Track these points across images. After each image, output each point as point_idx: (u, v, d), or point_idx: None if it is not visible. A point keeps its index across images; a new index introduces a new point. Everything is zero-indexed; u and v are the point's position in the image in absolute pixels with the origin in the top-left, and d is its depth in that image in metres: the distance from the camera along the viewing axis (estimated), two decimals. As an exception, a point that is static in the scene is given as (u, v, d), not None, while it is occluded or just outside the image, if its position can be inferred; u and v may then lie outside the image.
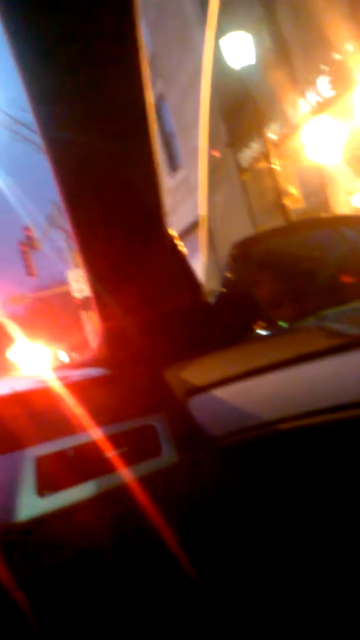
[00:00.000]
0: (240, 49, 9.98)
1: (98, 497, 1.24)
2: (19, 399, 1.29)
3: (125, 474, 1.28)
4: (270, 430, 1.29)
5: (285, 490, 1.36)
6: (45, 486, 1.19)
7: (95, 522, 1.24)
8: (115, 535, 1.26)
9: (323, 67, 9.54)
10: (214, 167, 13.53)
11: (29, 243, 19.59)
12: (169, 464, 1.36)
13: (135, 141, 1.23)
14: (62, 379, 1.35)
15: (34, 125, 1.17)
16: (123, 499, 1.26)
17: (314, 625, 1.29)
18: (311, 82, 9.79)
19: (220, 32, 10.15)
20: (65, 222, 1.38)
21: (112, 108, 1.18)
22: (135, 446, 1.33)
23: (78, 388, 1.33)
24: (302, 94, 10.10)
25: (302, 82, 10.22)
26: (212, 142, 13.01)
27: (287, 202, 9.94)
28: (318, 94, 9.75)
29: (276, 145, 10.56)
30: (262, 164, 11.24)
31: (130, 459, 1.30)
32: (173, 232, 1.45)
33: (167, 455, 1.36)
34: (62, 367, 2.41)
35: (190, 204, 14.89)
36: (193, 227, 14.16)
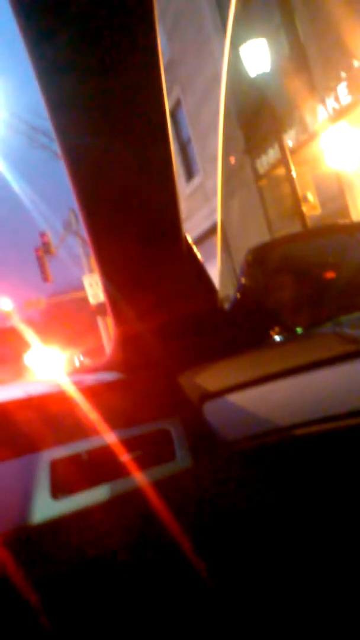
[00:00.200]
0: (259, 56, 10.00)
1: (112, 501, 1.25)
2: (34, 403, 1.30)
3: (140, 477, 1.28)
4: (284, 436, 1.28)
5: (300, 496, 1.36)
6: (59, 489, 1.20)
7: (109, 525, 1.25)
8: (129, 539, 1.26)
9: (342, 74, 9.52)
10: (231, 174, 13.55)
11: (45, 249, 19.75)
12: (183, 468, 1.36)
13: (151, 147, 1.24)
14: (76, 383, 1.36)
15: (52, 131, 1.18)
16: (137, 502, 1.26)
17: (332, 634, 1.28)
18: (330, 89, 9.77)
19: (238, 39, 10.19)
20: (81, 228, 1.39)
21: (128, 114, 1.19)
22: (149, 450, 1.33)
23: (93, 392, 1.33)
24: (321, 101, 10.08)
25: (320, 89, 10.21)
26: (230, 149, 13.04)
27: (304, 208, 9.91)
28: (337, 100, 9.73)
29: (293, 151, 10.55)
30: (279, 171, 11.23)
31: (144, 463, 1.30)
32: (188, 237, 1.45)
33: (182, 459, 1.36)
34: (76, 371, 2.42)
35: (206, 210, 14.92)
36: (209, 233, 14.19)
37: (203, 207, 15.18)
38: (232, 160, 13.26)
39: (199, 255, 1.48)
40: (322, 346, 1.25)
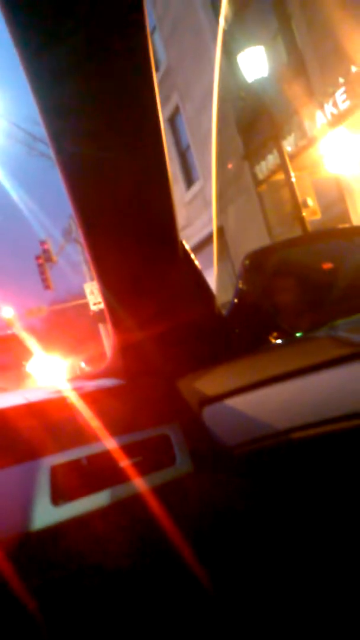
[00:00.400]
0: (256, 62, 10.03)
1: (112, 506, 1.25)
2: (34, 410, 1.30)
3: (140, 483, 1.28)
4: (283, 439, 1.29)
5: (300, 499, 1.36)
6: (59, 495, 1.20)
7: (110, 531, 1.25)
8: (130, 545, 1.26)
9: (340, 79, 9.55)
10: (230, 180, 13.58)
11: (45, 256, 19.80)
12: (183, 473, 1.36)
13: (145, 154, 1.24)
14: (76, 389, 1.37)
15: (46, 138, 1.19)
16: (137, 508, 1.27)
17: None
18: (328, 95, 9.80)
19: (236, 45, 10.23)
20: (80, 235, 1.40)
21: (122, 121, 1.19)
22: (149, 455, 1.34)
23: (92, 398, 1.34)
24: (319, 106, 10.11)
25: (318, 94, 10.24)
26: (229, 155, 13.08)
27: (304, 213, 9.92)
28: (335, 105, 9.75)
29: (292, 157, 10.57)
30: (278, 176, 11.24)
31: (144, 469, 1.31)
32: (185, 244, 1.46)
33: (182, 464, 1.37)
34: (77, 377, 2.42)
35: (206, 217, 14.95)
36: (210, 239, 14.21)
37: (203, 214, 15.21)
38: (230, 165, 13.28)
39: (196, 261, 1.49)
40: (317, 350, 1.26)
